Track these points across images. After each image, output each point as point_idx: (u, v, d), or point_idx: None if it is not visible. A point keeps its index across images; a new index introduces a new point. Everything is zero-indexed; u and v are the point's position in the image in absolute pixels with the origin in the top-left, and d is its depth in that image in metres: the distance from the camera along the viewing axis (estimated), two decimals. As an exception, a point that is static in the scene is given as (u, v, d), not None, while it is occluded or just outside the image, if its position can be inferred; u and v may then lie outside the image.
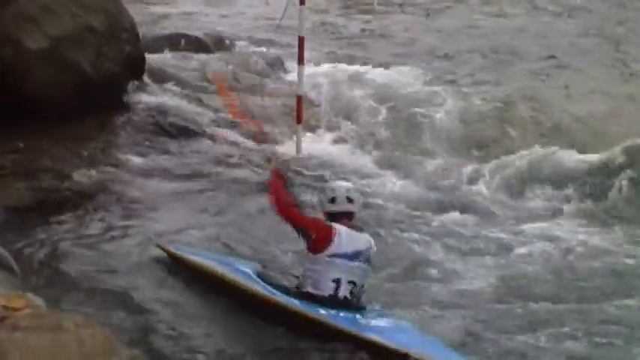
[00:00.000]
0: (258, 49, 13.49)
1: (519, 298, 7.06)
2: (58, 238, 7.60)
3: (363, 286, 6.43)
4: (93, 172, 9.05)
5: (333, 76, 12.43)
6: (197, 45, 13.74)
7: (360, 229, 6.51)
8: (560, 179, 9.77)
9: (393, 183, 9.72)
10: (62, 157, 9.23)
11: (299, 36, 10.05)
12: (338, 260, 6.29)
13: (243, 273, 6.80)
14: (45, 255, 7.25)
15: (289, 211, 6.55)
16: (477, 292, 7.02)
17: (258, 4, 10.97)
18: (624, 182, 9.48)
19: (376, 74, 12.79)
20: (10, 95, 9.43)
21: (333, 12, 15.16)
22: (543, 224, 8.81)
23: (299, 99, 10.11)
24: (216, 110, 11.08)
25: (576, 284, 7.29)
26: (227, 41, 14.06)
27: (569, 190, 9.60)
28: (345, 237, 6.29)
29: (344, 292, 6.29)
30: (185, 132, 10.17)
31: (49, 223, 7.90)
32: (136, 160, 9.46)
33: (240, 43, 14.04)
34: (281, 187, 6.70)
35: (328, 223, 6.38)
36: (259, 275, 6.68)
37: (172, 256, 7.33)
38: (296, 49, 11.81)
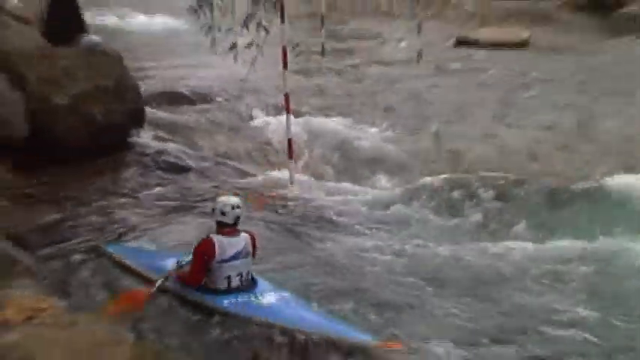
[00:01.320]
0: (232, 103, 13.51)
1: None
2: (76, 251, 7.52)
3: (248, 272, 6.57)
4: (104, 199, 8.98)
5: (307, 124, 12.44)
6: (185, 99, 13.63)
7: (238, 234, 6.55)
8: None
9: (354, 200, 9.72)
10: (80, 188, 9.16)
11: (285, 93, 9.98)
12: (224, 264, 6.42)
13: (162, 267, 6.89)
14: (66, 265, 7.18)
15: (192, 278, 6.63)
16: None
17: (232, 67, 10.98)
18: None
19: (335, 122, 12.90)
20: (39, 139, 9.54)
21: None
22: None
23: (289, 140, 10.05)
24: (201, 151, 11.08)
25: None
26: (208, 97, 13.93)
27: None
28: (225, 245, 6.41)
29: (235, 283, 6.47)
30: (176, 168, 10.16)
31: (70, 240, 7.85)
32: (137, 190, 9.42)
33: (219, 98, 13.93)
34: (182, 275, 6.73)
35: (207, 240, 6.48)
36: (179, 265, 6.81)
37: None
38: (265, 102, 11.92)
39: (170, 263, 6.94)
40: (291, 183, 9.88)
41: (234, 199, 6.69)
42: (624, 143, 11.61)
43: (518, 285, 7.20)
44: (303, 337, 5.95)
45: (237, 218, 6.55)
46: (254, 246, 6.69)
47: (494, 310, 6.67)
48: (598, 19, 23.81)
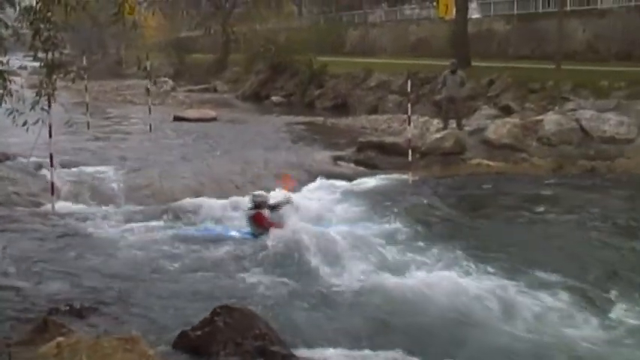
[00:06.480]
0: (26, 159, 11.80)
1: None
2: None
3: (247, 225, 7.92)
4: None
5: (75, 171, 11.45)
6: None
7: (253, 210, 7.81)
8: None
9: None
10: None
11: (50, 153, 9.48)
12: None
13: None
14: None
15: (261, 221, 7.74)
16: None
17: (26, 135, 9.50)
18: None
19: (92, 168, 11.86)
20: None
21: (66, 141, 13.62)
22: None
23: (52, 183, 9.31)
24: (5, 191, 9.85)
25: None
26: (10, 156, 12.23)
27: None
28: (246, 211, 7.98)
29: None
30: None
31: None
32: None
33: (19, 157, 12.09)
34: (263, 216, 7.77)
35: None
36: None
37: None
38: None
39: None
40: (53, 208, 9.23)
41: (256, 194, 8.02)
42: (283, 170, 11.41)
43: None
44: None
45: (255, 204, 7.80)
46: (255, 218, 7.72)
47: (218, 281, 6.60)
48: (257, 105, 25.93)
